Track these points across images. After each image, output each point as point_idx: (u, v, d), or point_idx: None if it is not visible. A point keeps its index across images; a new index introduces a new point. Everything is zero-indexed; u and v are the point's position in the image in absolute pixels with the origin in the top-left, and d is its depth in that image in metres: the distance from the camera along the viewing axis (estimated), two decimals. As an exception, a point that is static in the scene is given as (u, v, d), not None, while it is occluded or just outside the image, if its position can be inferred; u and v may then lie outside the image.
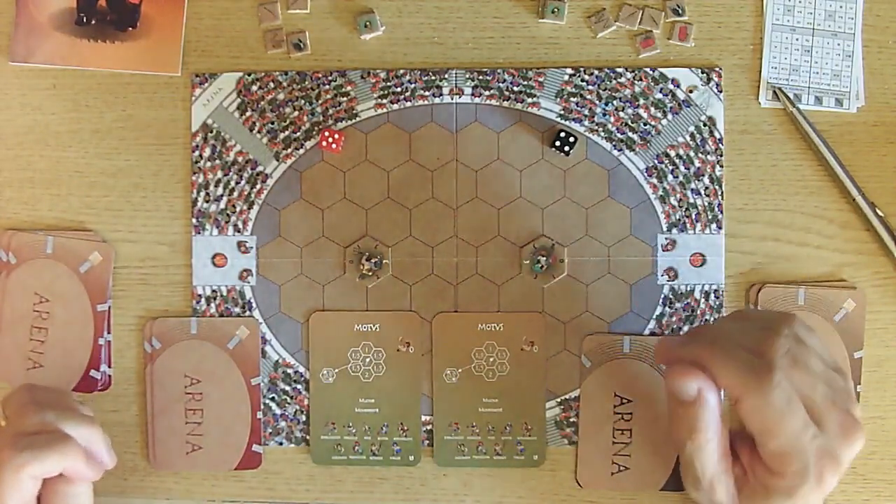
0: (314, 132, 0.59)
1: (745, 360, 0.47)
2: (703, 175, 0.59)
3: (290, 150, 0.59)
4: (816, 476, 0.46)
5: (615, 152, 0.59)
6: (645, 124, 0.59)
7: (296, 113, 0.59)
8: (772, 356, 0.47)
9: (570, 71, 0.59)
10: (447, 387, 0.59)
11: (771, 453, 0.47)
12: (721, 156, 0.59)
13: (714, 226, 0.59)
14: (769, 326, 0.48)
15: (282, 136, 0.59)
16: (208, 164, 0.60)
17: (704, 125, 0.59)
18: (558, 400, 0.59)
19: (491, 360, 0.59)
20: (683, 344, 0.50)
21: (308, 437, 0.59)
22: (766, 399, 0.46)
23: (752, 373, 0.46)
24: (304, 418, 0.59)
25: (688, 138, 0.59)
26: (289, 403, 0.59)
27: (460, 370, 0.59)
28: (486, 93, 0.59)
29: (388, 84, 0.59)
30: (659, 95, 0.59)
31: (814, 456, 0.46)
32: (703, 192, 0.59)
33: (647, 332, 0.59)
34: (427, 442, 0.59)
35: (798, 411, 0.46)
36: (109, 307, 0.60)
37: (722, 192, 0.59)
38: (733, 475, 0.49)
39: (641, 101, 0.59)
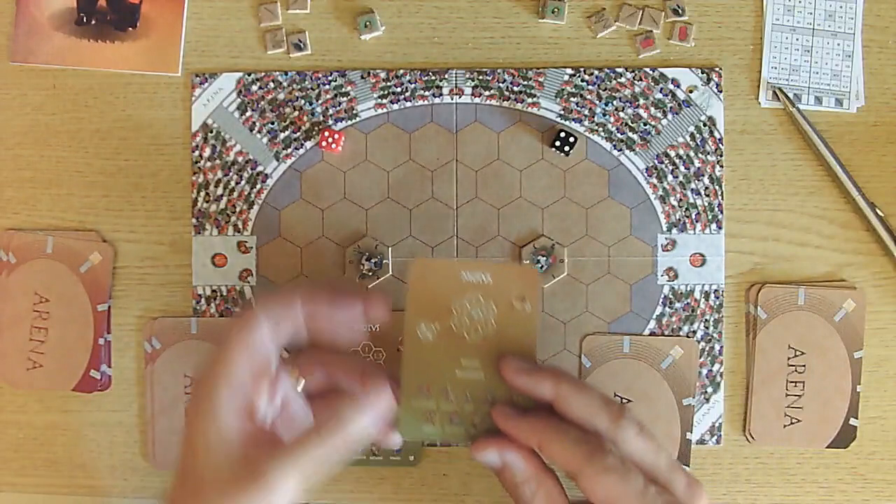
0: (314, 132, 0.59)
1: (578, 433, 0.47)
2: (703, 175, 0.59)
3: (290, 150, 0.59)
4: None
5: (615, 152, 0.59)
6: (645, 124, 0.59)
7: (296, 113, 0.59)
8: (613, 427, 0.47)
9: (570, 71, 0.59)
10: (420, 345, 0.50)
11: None
12: (721, 156, 0.59)
13: (714, 226, 0.59)
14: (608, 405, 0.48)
15: (282, 136, 0.59)
16: (208, 164, 0.60)
17: (704, 125, 0.59)
18: (558, 400, 0.59)
19: (476, 315, 0.51)
20: (520, 417, 0.49)
21: (308, 437, 0.59)
22: (602, 466, 0.45)
23: (586, 444, 0.46)
24: (304, 418, 0.59)
25: (688, 138, 0.59)
26: (289, 403, 0.59)
27: (437, 326, 0.50)
28: (486, 93, 0.59)
29: (388, 84, 0.59)
30: (659, 95, 0.59)
31: None
32: (703, 192, 0.59)
33: (647, 332, 0.59)
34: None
35: (635, 474, 0.46)
36: (109, 307, 0.60)
37: (722, 192, 0.59)
38: None
39: (641, 101, 0.59)
